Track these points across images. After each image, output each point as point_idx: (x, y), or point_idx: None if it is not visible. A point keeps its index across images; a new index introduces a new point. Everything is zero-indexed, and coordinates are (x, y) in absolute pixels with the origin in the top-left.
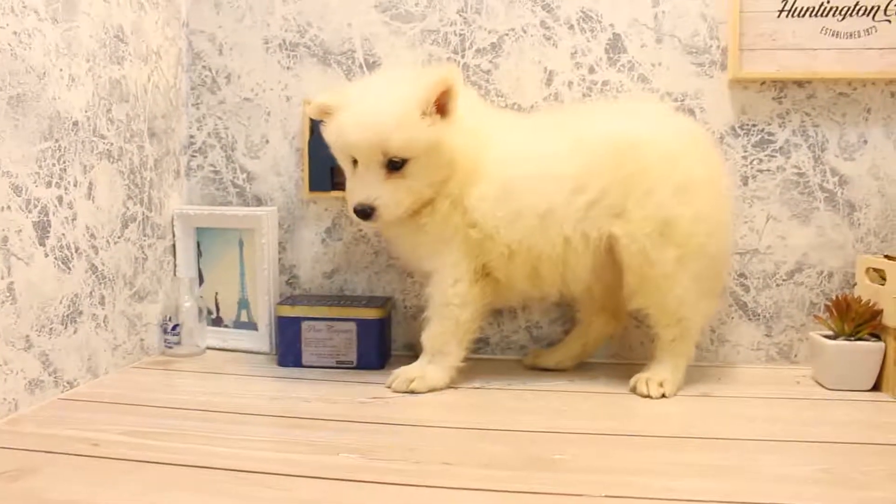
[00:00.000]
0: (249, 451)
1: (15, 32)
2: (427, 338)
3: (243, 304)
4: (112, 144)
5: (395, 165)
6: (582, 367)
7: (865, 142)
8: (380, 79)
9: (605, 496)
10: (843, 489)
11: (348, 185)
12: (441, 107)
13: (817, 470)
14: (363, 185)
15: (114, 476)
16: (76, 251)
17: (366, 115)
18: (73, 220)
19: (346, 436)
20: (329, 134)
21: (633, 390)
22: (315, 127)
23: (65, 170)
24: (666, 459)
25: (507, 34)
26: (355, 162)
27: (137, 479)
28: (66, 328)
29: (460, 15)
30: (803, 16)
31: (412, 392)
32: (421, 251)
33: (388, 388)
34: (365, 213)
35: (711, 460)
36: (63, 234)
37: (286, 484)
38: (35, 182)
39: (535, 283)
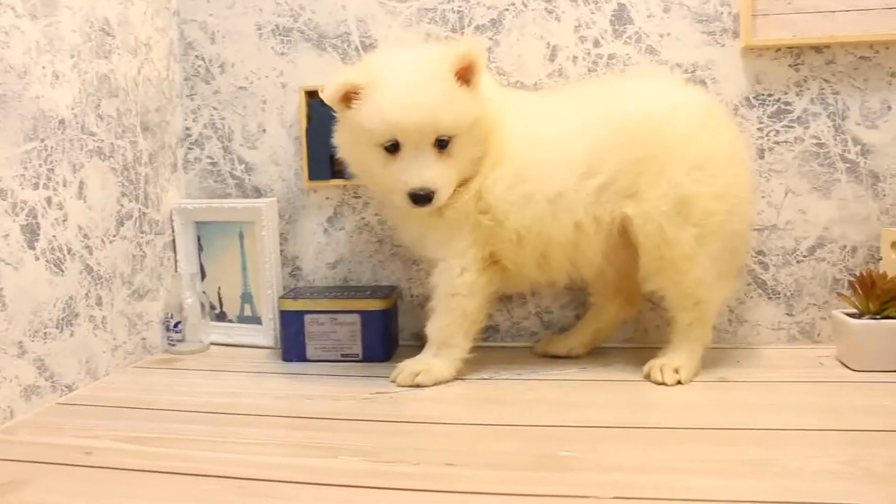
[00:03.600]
0: (250, 456)
1: None
2: (432, 329)
3: (246, 297)
4: (103, 141)
5: (442, 144)
6: (595, 353)
7: (889, 108)
8: (408, 54)
9: (615, 497)
10: (867, 484)
11: (394, 166)
12: (467, 80)
13: (841, 462)
14: (416, 168)
15: (105, 488)
16: (69, 252)
17: (412, 92)
18: (64, 220)
19: (350, 436)
20: (364, 116)
21: (648, 377)
22: (313, 114)
23: (52, 170)
24: (681, 454)
25: (507, 9)
26: (394, 146)
27: (130, 492)
28: (61, 331)
29: None
30: None
31: (417, 386)
32: (430, 238)
33: (393, 382)
34: (424, 197)
35: (730, 454)
36: (54, 236)
37: (288, 492)
38: (21, 184)
39: (544, 269)
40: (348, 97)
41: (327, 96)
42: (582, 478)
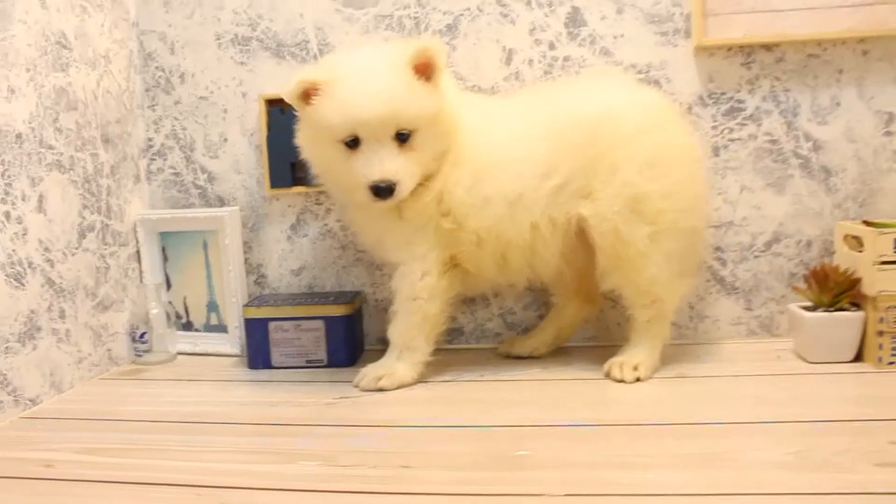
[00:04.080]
0: (210, 464)
1: None
2: (394, 333)
3: (212, 306)
4: (62, 154)
5: (403, 138)
6: (558, 353)
7: (839, 104)
8: (366, 51)
9: (567, 494)
10: (815, 473)
11: (348, 165)
12: (427, 76)
13: (791, 453)
14: (377, 160)
15: (64, 500)
16: (29, 266)
17: (371, 85)
18: (24, 234)
19: (309, 441)
20: (323, 112)
21: (608, 375)
22: (273, 122)
23: (10, 184)
24: (635, 450)
25: (462, 14)
26: (354, 141)
27: (91, 503)
28: (23, 346)
29: None
30: None
31: (380, 390)
32: (390, 241)
33: (356, 387)
34: (386, 190)
35: (682, 448)
36: (13, 251)
37: (243, 498)
38: None
39: (503, 270)
40: (308, 94)
41: (287, 94)
42: (535, 476)
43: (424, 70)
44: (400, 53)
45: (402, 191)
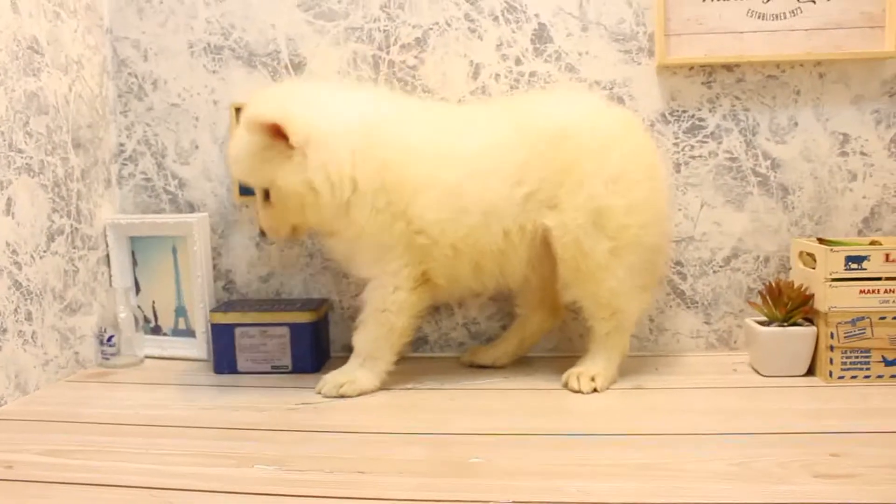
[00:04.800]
0: (167, 466)
1: None
2: (359, 341)
3: (180, 311)
4: (32, 158)
5: (266, 194)
6: (520, 363)
7: (796, 124)
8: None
9: (513, 501)
10: (755, 484)
11: None
12: (283, 137)
13: (735, 464)
14: (257, 209)
15: (23, 501)
16: None
17: (231, 148)
18: None
19: (267, 446)
20: None
21: (566, 386)
22: None
23: None
24: (585, 459)
25: (431, 28)
26: None
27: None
28: None
29: (384, 11)
30: None
31: (342, 396)
32: (358, 259)
33: (319, 393)
34: (262, 235)
35: (630, 458)
36: None
37: (198, 500)
38: None
39: (478, 276)
40: None
41: None
42: (485, 483)
43: (278, 132)
44: (252, 117)
45: (270, 237)
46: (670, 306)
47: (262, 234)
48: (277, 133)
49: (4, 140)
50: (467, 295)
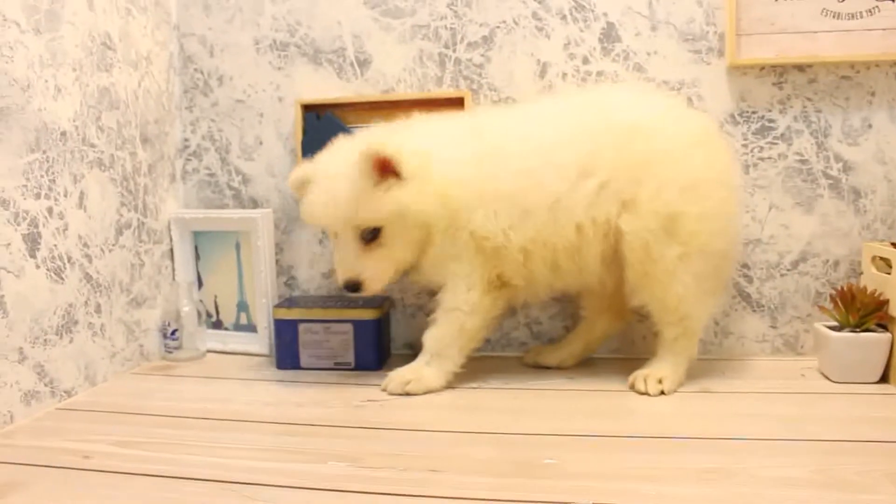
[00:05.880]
0: (238, 461)
1: None
2: (429, 338)
3: (242, 306)
4: (103, 152)
5: (370, 236)
6: (582, 364)
7: (870, 126)
8: (335, 149)
9: (591, 503)
10: (835, 492)
11: (334, 256)
12: (392, 173)
13: (812, 471)
14: (346, 259)
15: (101, 491)
16: (69, 261)
17: (327, 192)
18: (65, 230)
19: (337, 442)
20: (303, 209)
21: (632, 387)
22: (308, 127)
23: (54, 180)
24: (659, 462)
25: (498, 27)
26: (335, 233)
27: (122, 494)
28: (61, 338)
29: (450, 8)
30: None
31: (408, 394)
32: (429, 267)
33: (384, 390)
34: (353, 288)
35: (705, 463)
36: (55, 245)
37: (270, 494)
38: (23, 194)
39: (557, 274)
40: (303, 187)
41: (289, 183)
42: (560, 484)
43: (385, 167)
44: (357, 154)
45: (370, 288)
46: (736, 309)
47: (355, 287)
48: (386, 168)
49: (79, 134)
50: (547, 295)
